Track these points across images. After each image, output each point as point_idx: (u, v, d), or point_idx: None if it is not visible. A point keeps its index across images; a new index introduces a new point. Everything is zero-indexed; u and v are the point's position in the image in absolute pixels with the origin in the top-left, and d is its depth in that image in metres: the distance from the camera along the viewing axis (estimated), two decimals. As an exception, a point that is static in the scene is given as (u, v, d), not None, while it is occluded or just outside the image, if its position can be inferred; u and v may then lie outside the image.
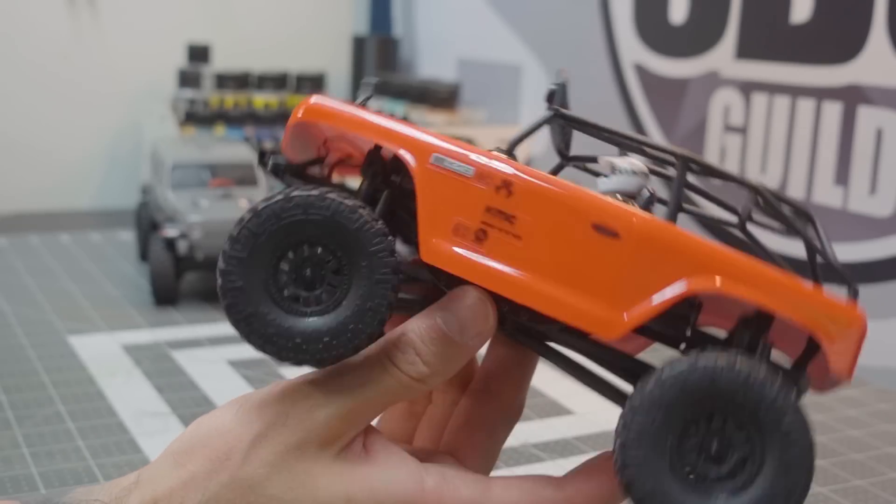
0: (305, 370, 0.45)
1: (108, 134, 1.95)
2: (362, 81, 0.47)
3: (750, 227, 0.46)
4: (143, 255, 1.39)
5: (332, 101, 0.46)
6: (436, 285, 0.46)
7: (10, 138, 1.86)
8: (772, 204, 0.45)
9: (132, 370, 1.00)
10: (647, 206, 0.44)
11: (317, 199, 0.42)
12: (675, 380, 0.40)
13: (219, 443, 0.44)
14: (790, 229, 0.46)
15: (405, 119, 0.50)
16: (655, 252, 0.42)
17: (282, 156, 0.48)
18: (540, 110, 0.47)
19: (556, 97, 0.46)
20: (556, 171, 0.50)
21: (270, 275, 0.43)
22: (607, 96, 1.52)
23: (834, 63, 1.17)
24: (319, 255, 0.43)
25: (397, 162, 0.45)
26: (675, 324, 0.45)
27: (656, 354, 0.47)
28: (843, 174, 1.16)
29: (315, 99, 0.46)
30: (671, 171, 0.46)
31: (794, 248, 0.49)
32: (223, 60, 1.92)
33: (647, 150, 0.45)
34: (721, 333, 0.46)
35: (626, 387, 0.45)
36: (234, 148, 1.41)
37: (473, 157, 0.43)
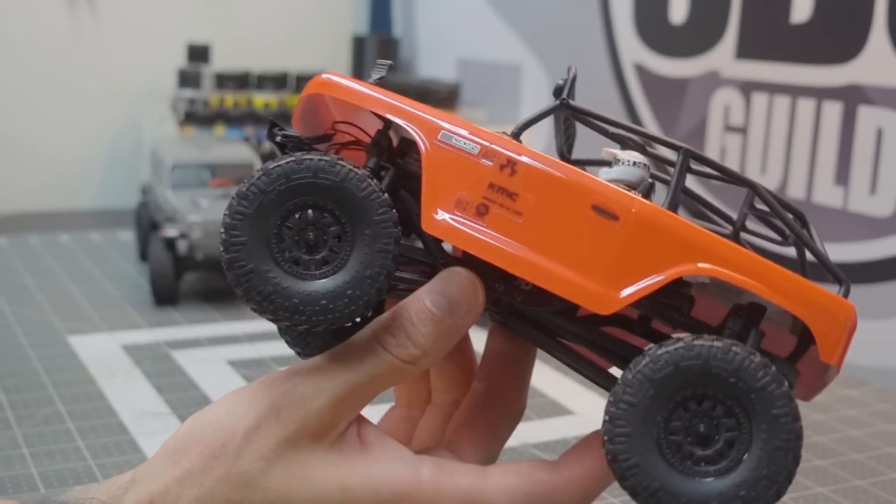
0: (296, 362, 0.46)
1: (108, 134, 1.95)
2: (377, 61, 0.48)
3: (744, 236, 0.47)
4: (143, 255, 1.39)
5: (343, 77, 0.47)
6: (434, 267, 0.47)
7: (10, 138, 1.86)
8: (768, 202, 0.45)
9: (132, 370, 1.00)
10: (647, 194, 0.45)
11: (327, 164, 0.43)
12: (669, 357, 0.41)
13: (213, 438, 0.44)
14: (784, 228, 0.47)
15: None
16: (652, 235, 0.43)
17: (291, 130, 0.48)
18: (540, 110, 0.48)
19: (566, 90, 0.47)
20: None
21: (274, 234, 0.43)
22: (607, 96, 1.52)
23: (834, 63, 1.17)
24: (324, 219, 0.43)
25: (403, 145, 0.47)
26: (670, 314, 0.46)
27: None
28: (843, 174, 1.16)
29: (327, 74, 0.47)
30: (671, 173, 0.47)
31: (789, 251, 0.49)
32: (223, 60, 1.92)
33: (651, 143, 0.46)
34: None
35: (619, 373, 0.45)
36: (233, 148, 1.41)
37: (480, 138, 0.45)
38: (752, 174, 1.28)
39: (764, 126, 1.26)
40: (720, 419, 0.41)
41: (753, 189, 0.45)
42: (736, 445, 0.41)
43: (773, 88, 1.25)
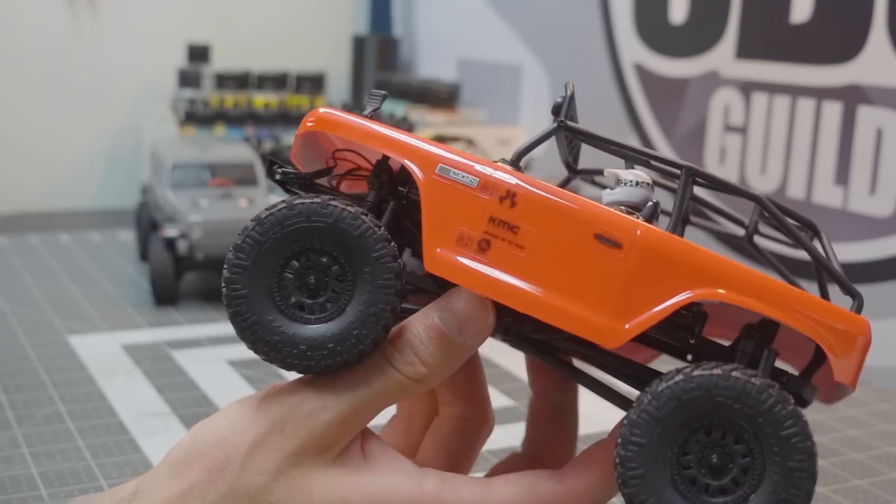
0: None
1: (108, 134, 1.95)
2: (371, 91, 0.47)
3: (757, 240, 0.46)
4: (143, 254, 1.39)
5: (340, 112, 0.46)
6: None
7: (10, 138, 1.86)
8: (776, 216, 0.45)
9: (132, 370, 1.00)
10: (651, 217, 0.44)
11: (319, 207, 0.43)
12: (671, 392, 0.40)
13: (216, 451, 0.44)
14: (795, 242, 0.46)
15: (405, 119, 0.50)
16: (657, 262, 0.42)
17: (290, 167, 0.48)
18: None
19: (563, 109, 0.45)
20: (564, 184, 0.51)
21: (275, 282, 0.43)
22: (607, 96, 1.52)
23: (834, 63, 1.17)
24: (323, 262, 0.43)
25: (404, 173, 0.46)
26: (682, 334, 0.45)
27: (665, 361, 0.47)
28: (843, 174, 1.16)
29: (324, 109, 0.46)
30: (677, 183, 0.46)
31: (799, 252, 0.48)
32: (223, 60, 1.92)
33: (653, 162, 0.46)
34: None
35: (633, 392, 0.45)
36: (234, 148, 1.41)
37: (478, 167, 0.44)
38: (752, 174, 1.28)
39: (764, 126, 1.26)
40: (731, 447, 0.40)
41: (760, 203, 0.45)
42: (751, 471, 0.40)
43: (773, 88, 1.25)
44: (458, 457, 0.51)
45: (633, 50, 1.49)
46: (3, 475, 0.76)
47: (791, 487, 0.40)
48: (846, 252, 1.15)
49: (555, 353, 0.48)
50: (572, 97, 0.46)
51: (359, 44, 2.11)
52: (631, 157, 0.46)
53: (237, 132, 1.77)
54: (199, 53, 1.88)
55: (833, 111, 1.17)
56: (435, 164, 0.44)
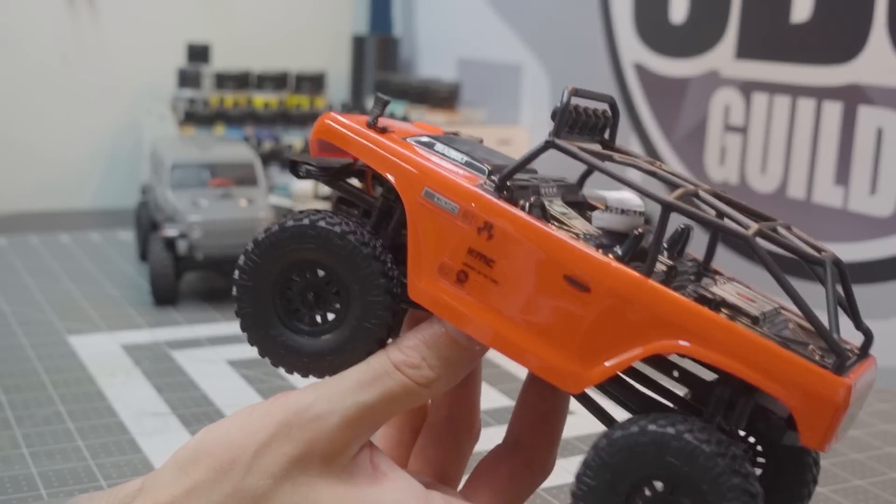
0: (311, 378, 0.46)
1: (108, 134, 1.95)
2: (376, 95, 0.47)
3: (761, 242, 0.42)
4: (143, 254, 1.39)
5: (342, 120, 0.46)
6: None
7: (10, 138, 1.86)
8: (787, 245, 0.41)
9: (132, 370, 1.00)
10: (628, 251, 0.41)
11: (308, 228, 0.44)
12: (624, 442, 0.39)
13: (223, 452, 0.44)
14: (809, 269, 0.43)
15: (405, 119, 0.50)
16: (625, 308, 0.40)
17: (313, 164, 0.48)
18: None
19: (554, 130, 0.43)
20: (585, 177, 0.49)
21: (278, 299, 0.45)
22: (607, 96, 1.52)
23: (834, 63, 1.17)
24: (321, 277, 0.45)
25: None
26: (665, 369, 0.44)
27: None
28: (843, 174, 1.16)
29: (329, 118, 0.47)
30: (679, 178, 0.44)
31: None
32: (223, 60, 1.92)
33: (634, 187, 0.42)
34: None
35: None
36: (233, 148, 1.41)
37: (461, 191, 0.43)
38: (753, 174, 1.28)
39: (764, 126, 1.26)
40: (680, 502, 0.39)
41: (749, 244, 0.41)
42: None
43: (773, 88, 1.25)
44: (445, 466, 0.51)
45: (633, 50, 1.49)
46: (3, 475, 0.76)
47: None
48: (846, 252, 1.15)
49: None
50: (565, 108, 0.43)
51: (359, 44, 2.11)
52: (616, 177, 0.42)
53: (237, 132, 1.77)
54: (198, 53, 1.88)
55: (833, 111, 1.17)
56: (421, 188, 0.43)
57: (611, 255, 0.41)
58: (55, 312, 1.17)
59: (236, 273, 0.45)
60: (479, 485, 0.48)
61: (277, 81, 1.88)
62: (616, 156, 0.46)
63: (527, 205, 0.42)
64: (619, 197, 0.43)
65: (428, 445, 0.51)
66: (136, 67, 1.94)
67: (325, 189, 1.45)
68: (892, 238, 1.11)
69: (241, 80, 1.85)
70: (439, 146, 0.46)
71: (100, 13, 1.91)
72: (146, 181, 1.50)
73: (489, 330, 0.43)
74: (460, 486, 0.50)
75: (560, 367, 0.41)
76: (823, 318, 0.40)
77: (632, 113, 1.49)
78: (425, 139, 0.46)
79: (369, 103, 1.92)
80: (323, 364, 0.45)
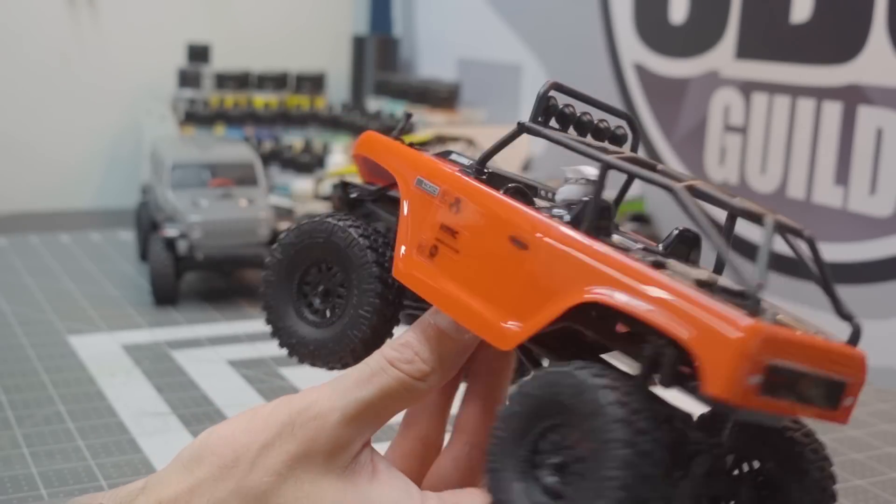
0: (312, 382, 0.47)
1: (108, 134, 1.95)
2: (404, 112, 0.54)
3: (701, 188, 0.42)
4: (143, 255, 1.39)
5: (375, 138, 0.52)
6: None
7: (10, 138, 1.86)
8: (717, 199, 0.42)
9: (132, 370, 1.00)
10: (578, 216, 0.43)
11: (318, 224, 0.50)
12: (526, 388, 0.40)
13: (226, 451, 0.45)
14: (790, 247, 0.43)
15: (409, 115, 0.53)
16: (555, 263, 0.41)
17: (362, 186, 0.54)
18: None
19: (535, 105, 0.46)
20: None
21: (295, 292, 0.51)
22: (607, 96, 1.52)
23: (834, 63, 1.17)
24: (331, 272, 0.50)
25: None
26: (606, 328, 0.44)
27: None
28: (843, 174, 1.16)
29: (366, 134, 0.53)
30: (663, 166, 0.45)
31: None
32: (223, 60, 1.92)
33: (602, 157, 0.43)
34: None
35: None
36: (233, 148, 1.41)
37: (441, 174, 0.47)
38: (753, 174, 1.28)
39: (764, 126, 1.26)
40: (576, 447, 0.38)
41: (678, 197, 0.41)
42: (580, 475, 0.38)
43: (772, 88, 1.25)
44: (459, 487, 0.51)
45: (633, 50, 1.49)
46: (3, 475, 0.76)
47: (599, 498, 0.36)
48: (846, 252, 1.15)
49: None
50: (546, 96, 0.46)
51: (359, 44, 2.11)
52: (587, 154, 0.44)
53: (237, 132, 1.77)
54: (199, 53, 1.88)
55: (833, 111, 1.17)
56: (415, 177, 0.48)
57: (555, 218, 0.43)
58: (55, 312, 1.17)
59: (264, 270, 0.52)
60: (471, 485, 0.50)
61: (277, 81, 1.88)
62: (592, 141, 0.48)
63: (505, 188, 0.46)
64: (576, 168, 0.46)
65: (443, 466, 0.52)
66: (136, 68, 1.94)
67: (325, 189, 1.46)
68: (892, 238, 1.11)
69: (241, 81, 1.85)
70: (454, 155, 0.51)
71: (100, 13, 1.91)
72: (146, 181, 1.50)
73: (445, 297, 0.45)
74: None
75: (493, 324, 0.43)
76: (817, 314, 0.40)
77: (632, 113, 1.49)
78: (446, 151, 0.51)
79: (369, 103, 1.92)
80: (326, 352, 0.49)
